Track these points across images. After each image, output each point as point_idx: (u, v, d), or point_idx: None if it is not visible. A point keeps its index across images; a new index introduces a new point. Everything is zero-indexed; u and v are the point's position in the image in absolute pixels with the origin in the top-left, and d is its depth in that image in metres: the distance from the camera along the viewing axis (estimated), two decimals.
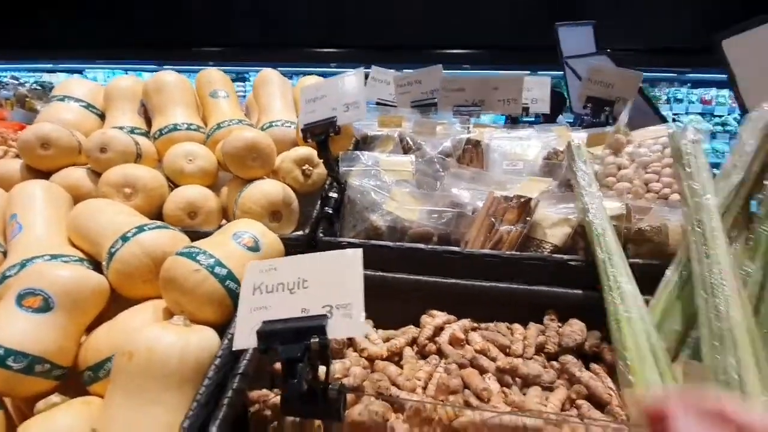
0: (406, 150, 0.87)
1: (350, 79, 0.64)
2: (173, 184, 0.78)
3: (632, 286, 0.54)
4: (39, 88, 2.25)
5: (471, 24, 4.43)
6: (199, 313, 0.48)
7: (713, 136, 4.47)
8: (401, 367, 0.53)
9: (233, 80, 4.04)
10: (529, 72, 4.58)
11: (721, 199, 0.54)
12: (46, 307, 0.46)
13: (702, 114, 4.51)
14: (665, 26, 4.03)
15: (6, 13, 4.44)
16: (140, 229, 0.56)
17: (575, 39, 1.32)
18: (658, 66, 4.43)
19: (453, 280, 0.62)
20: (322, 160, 0.67)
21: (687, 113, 4.54)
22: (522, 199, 0.65)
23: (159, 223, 0.60)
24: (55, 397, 0.44)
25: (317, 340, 0.35)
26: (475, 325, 0.59)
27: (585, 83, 0.94)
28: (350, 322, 0.36)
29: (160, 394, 0.39)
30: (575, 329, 0.56)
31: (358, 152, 0.77)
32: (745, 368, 0.44)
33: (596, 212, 0.60)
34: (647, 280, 0.57)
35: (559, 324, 0.59)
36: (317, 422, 0.44)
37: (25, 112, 1.50)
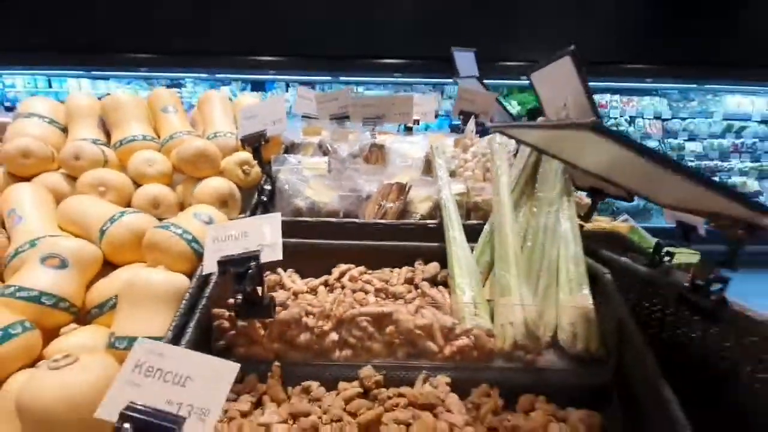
0: (325, 153, 1.14)
1: (275, 101, 0.90)
2: (137, 185, 0.99)
3: (462, 237, 0.84)
4: None
5: (407, 36, 4.78)
6: (174, 266, 0.71)
7: None
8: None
9: (168, 86, 4.17)
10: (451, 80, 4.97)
11: (511, 179, 0.86)
12: (62, 265, 0.67)
13: (601, 116, 5.21)
14: (567, 41, 4.65)
15: None
16: (122, 213, 0.77)
17: (465, 61, 1.66)
18: None
19: (354, 242, 0.89)
20: (257, 162, 0.92)
21: None
22: (400, 184, 0.94)
23: (135, 209, 0.81)
24: (73, 325, 0.66)
25: (255, 263, 0.61)
26: (369, 271, 0.87)
27: (458, 99, 1.27)
28: (273, 252, 0.62)
29: (155, 309, 0.63)
30: (433, 266, 0.86)
31: (286, 155, 1.03)
32: (512, 277, 0.75)
33: (445, 192, 0.90)
34: (478, 235, 0.88)
35: (424, 266, 0.88)
36: (259, 325, 0.69)
37: None
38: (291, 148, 1.14)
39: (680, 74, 5.09)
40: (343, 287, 0.81)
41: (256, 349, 0.68)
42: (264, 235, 0.63)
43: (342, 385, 0.65)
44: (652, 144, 5.24)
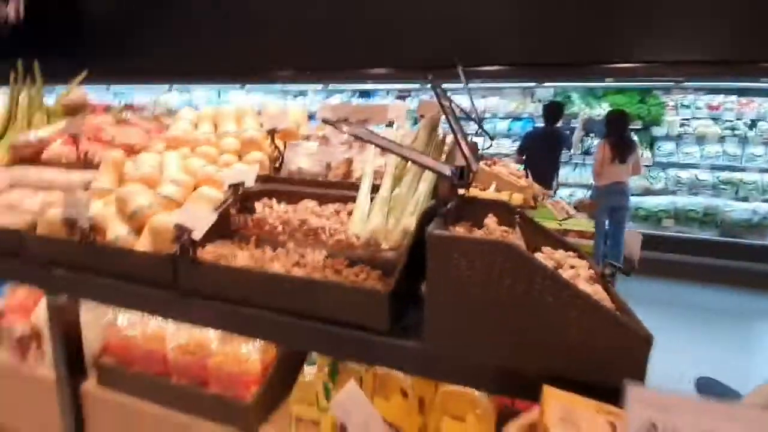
0: (325, 141, 1.83)
1: (283, 112, 1.62)
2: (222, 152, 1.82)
3: (367, 188, 1.42)
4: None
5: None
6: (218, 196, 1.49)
7: (722, 139, 4.69)
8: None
9: (295, 96, 5.63)
10: (535, 85, 5.36)
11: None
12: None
13: (714, 119, 4.75)
14: (661, 41, 4.47)
15: (135, 49, 6.10)
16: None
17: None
18: (675, 76, 4.78)
19: (317, 190, 1.55)
20: (273, 144, 1.66)
21: (694, 118, 4.82)
22: (348, 159, 1.57)
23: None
24: None
25: (242, 185, 1.33)
26: (320, 204, 1.52)
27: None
28: (249, 182, 1.33)
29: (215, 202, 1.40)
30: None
31: (298, 141, 1.75)
32: (377, 209, 1.31)
33: (368, 165, 1.50)
34: None
35: (353, 204, 1.49)
36: (251, 220, 1.41)
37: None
38: (306, 138, 1.86)
39: None
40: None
41: (249, 231, 1.40)
42: (248, 175, 1.35)
43: (278, 250, 1.32)
44: None
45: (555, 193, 3.85)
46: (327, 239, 1.32)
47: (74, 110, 2.48)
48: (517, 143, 5.12)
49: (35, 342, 1.61)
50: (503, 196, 1.63)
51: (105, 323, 1.52)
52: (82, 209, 1.32)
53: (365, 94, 6.50)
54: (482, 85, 5.83)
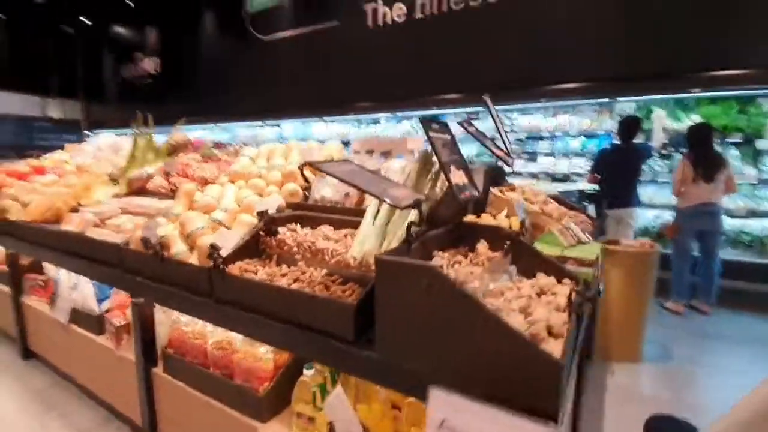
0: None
1: (312, 149, 1.89)
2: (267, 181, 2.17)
3: (371, 215, 1.60)
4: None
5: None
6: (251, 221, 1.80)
7: None
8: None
9: (369, 123, 6.15)
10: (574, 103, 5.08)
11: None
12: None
13: None
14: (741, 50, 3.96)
15: (233, 93, 7.11)
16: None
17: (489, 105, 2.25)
18: None
19: (333, 215, 1.77)
20: (302, 175, 1.94)
21: None
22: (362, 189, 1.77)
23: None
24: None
25: (268, 214, 1.61)
26: (334, 229, 1.73)
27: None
28: (273, 209, 1.61)
29: (247, 225, 1.72)
30: None
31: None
32: (372, 235, 1.48)
33: None
34: None
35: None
36: (275, 241, 1.68)
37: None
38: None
39: None
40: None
41: (272, 251, 1.67)
42: (276, 202, 1.63)
43: (291, 268, 1.56)
44: None
45: (605, 217, 3.55)
46: (329, 259, 1.52)
47: (177, 149, 3.11)
48: (592, 162, 4.86)
49: (127, 333, 2.08)
50: (506, 222, 1.68)
51: (171, 322, 1.91)
52: (154, 231, 1.73)
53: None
54: (554, 103, 5.67)
